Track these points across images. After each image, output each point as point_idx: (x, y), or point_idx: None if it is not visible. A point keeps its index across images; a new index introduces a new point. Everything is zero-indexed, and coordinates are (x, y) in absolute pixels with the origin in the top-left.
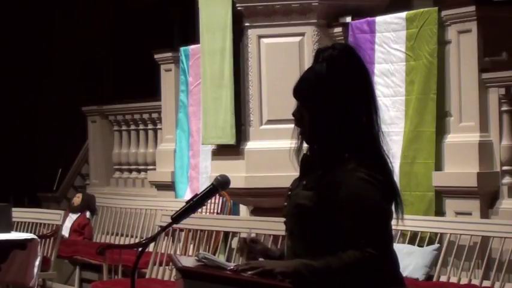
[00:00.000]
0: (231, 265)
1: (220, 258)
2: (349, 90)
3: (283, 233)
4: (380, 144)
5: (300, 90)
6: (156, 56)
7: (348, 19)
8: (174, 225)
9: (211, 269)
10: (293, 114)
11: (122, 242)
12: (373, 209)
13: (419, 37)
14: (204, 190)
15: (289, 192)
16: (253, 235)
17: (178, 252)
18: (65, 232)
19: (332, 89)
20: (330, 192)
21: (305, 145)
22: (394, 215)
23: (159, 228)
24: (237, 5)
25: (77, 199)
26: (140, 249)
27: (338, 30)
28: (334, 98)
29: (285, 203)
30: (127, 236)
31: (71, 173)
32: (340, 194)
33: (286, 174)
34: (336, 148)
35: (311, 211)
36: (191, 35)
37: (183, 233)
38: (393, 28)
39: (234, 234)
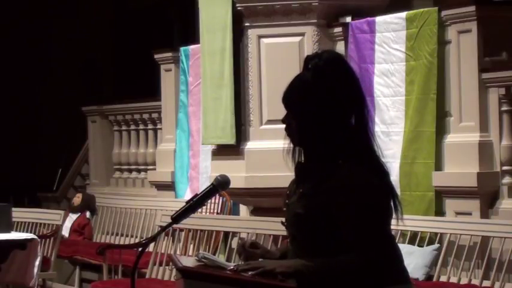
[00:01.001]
0: (231, 265)
1: (220, 258)
2: (335, 97)
3: (283, 233)
4: (373, 148)
5: (287, 98)
6: (156, 56)
7: (348, 19)
8: (174, 225)
9: (212, 269)
10: (282, 121)
11: (122, 242)
12: (371, 213)
13: (419, 37)
14: (204, 190)
15: (287, 201)
16: (253, 237)
17: (178, 252)
18: (65, 232)
19: (316, 98)
20: (327, 200)
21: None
22: (394, 216)
23: (159, 228)
24: (237, 5)
25: (77, 199)
26: (140, 249)
27: (338, 30)
28: (319, 107)
29: (284, 209)
30: (127, 236)
31: (71, 173)
32: (338, 200)
33: (286, 174)
34: (328, 155)
35: (310, 219)
36: (191, 35)
37: (183, 233)
38: (393, 28)
39: (234, 234)
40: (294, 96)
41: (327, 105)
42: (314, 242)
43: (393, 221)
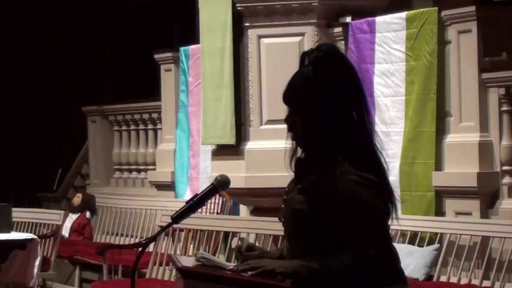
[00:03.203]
0: (229, 265)
1: (220, 258)
2: (338, 91)
3: (283, 233)
4: (373, 144)
5: (289, 96)
6: (156, 56)
7: (348, 19)
8: (174, 225)
9: (212, 269)
10: (285, 120)
11: (122, 242)
12: (368, 211)
13: (419, 37)
14: (204, 190)
15: (285, 197)
16: (250, 241)
17: (178, 252)
18: (65, 232)
19: (321, 92)
20: (324, 196)
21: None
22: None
23: (159, 228)
24: (237, 5)
25: (77, 199)
26: (140, 249)
27: (338, 30)
28: (324, 100)
29: (282, 205)
30: (127, 236)
31: (71, 173)
32: (335, 197)
33: (286, 174)
34: (328, 151)
35: (307, 215)
36: (191, 35)
37: (183, 233)
38: (393, 28)
39: (234, 234)
40: (297, 92)
41: (332, 98)
42: (310, 238)
43: (390, 221)
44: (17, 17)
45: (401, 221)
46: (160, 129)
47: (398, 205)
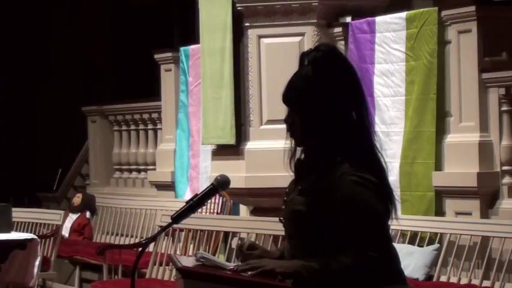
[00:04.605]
0: (229, 265)
1: (220, 258)
2: (337, 90)
3: (283, 233)
4: (373, 144)
5: (288, 96)
6: (156, 56)
7: (348, 19)
8: (174, 225)
9: (212, 269)
10: (285, 120)
11: (122, 242)
12: (368, 212)
13: (419, 37)
14: (204, 190)
15: (285, 198)
16: (252, 239)
17: (178, 252)
18: (65, 232)
19: (320, 91)
20: (324, 197)
21: (299, 148)
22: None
23: (159, 228)
24: (237, 5)
25: (77, 199)
26: (140, 249)
27: (338, 30)
28: (323, 100)
29: (283, 206)
30: (127, 236)
31: (71, 173)
32: (335, 198)
33: (286, 174)
34: (328, 151)
35: (307, 216)
36: (191, 35)
37: (183, 233)
38: (393, 28)
39: (234, 234)
40: (296, 93)
41: (331, 97)
42: (310, 239)
43: (392, 221)
44: (16, 17)
45: (401, 221)
46: (160, 129)
47: (398, 205)
